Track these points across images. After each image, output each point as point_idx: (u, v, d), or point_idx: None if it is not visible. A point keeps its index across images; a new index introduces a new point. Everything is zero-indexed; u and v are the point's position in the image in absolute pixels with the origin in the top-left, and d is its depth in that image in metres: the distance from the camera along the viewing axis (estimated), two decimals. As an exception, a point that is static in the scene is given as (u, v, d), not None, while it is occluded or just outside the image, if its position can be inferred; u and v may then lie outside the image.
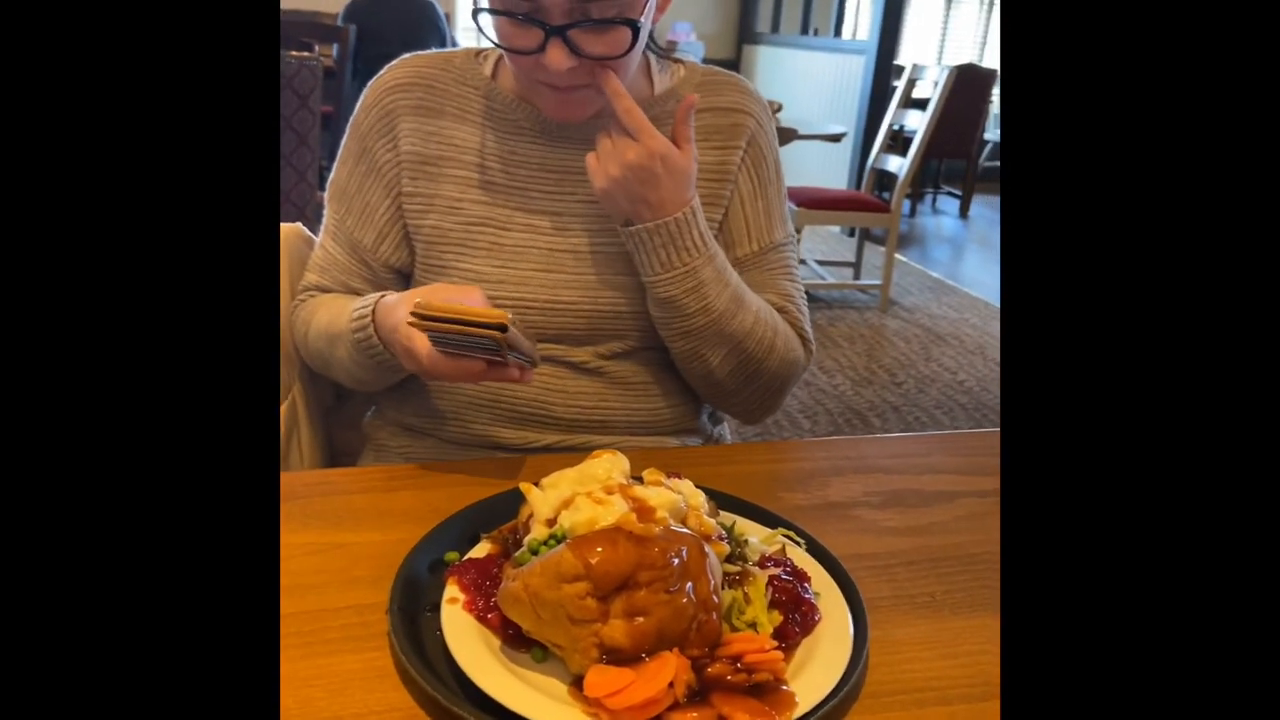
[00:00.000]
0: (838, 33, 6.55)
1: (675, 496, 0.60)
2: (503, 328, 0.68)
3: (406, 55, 0.95)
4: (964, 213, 6.23)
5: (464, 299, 0.75)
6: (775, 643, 0.54)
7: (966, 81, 5.27)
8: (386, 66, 0.95)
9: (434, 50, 0.96)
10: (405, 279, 0.95)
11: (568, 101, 0.83)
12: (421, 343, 0.74)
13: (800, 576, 0.61)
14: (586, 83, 0.81)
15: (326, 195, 0.96)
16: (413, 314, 0.70)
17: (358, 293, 0.93)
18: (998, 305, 4.05)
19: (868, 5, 6.54)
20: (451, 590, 0.58)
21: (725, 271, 0.86)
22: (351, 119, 0.95)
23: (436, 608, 0.57)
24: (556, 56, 0.77)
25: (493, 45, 0.84)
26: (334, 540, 0.66)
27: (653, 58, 0.96)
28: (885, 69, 5.01)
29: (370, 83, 0.95)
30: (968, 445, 0.90)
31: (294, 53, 2.10)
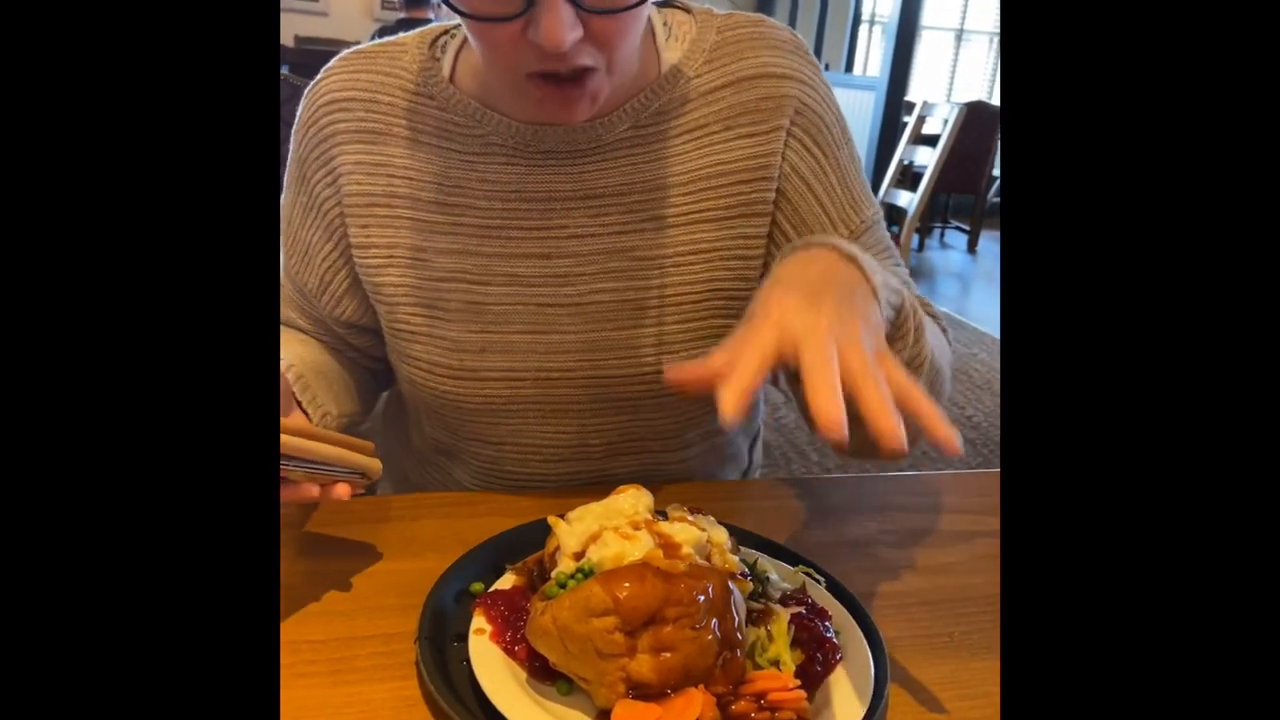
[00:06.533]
0: (849, 68, 6.64)
1: (699, 533, 0.61)
2: None
3: (347, 53, 0.76)
4: (972, 248, 6.25)
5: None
6: (798, 681, 0.55)
7: (976, 118, 5.32)
8: (324, 68, 0.76)
9: (380, 42, 0.77)
10: (368, 333, 0.82)
11: (572, 98, 0.63)
12: None
13: (821, 615, 0.61)
14: (592, 64, 0.62)
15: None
16: None
17: (297, 327, 0.83)
18: (1006, 341, 4.05)
19: (879, 41, 6.62)
20: (479, 621, 0.58)
21: (917, 311, 0.68)
22: (292, 133, 0.78)
23: (463, 638, 0.58)
24: (552, 24, 0.56)
25: (460, 22, 0.63)
26: (362, 568, 0.67)
27: (655, 16, 0.76)
28: (895, 105, 5.07)
29: (306, 92, 0.76)
30: (983, 485, 0.91)
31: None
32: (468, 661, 0.55)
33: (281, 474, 0.58)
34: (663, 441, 0.80)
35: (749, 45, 0.74)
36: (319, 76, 0.76)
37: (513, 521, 0.71)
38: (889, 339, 0.63)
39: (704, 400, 0.77)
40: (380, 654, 0.58)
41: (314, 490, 0.61)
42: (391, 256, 0.74)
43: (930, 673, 0.61)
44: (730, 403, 0.48)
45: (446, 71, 0.73)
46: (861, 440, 0.55)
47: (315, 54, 3.29)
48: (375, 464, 0.65)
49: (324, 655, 0.58)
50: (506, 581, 0.63)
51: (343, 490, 0.62)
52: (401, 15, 3.78)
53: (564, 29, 0.57)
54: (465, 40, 0.75)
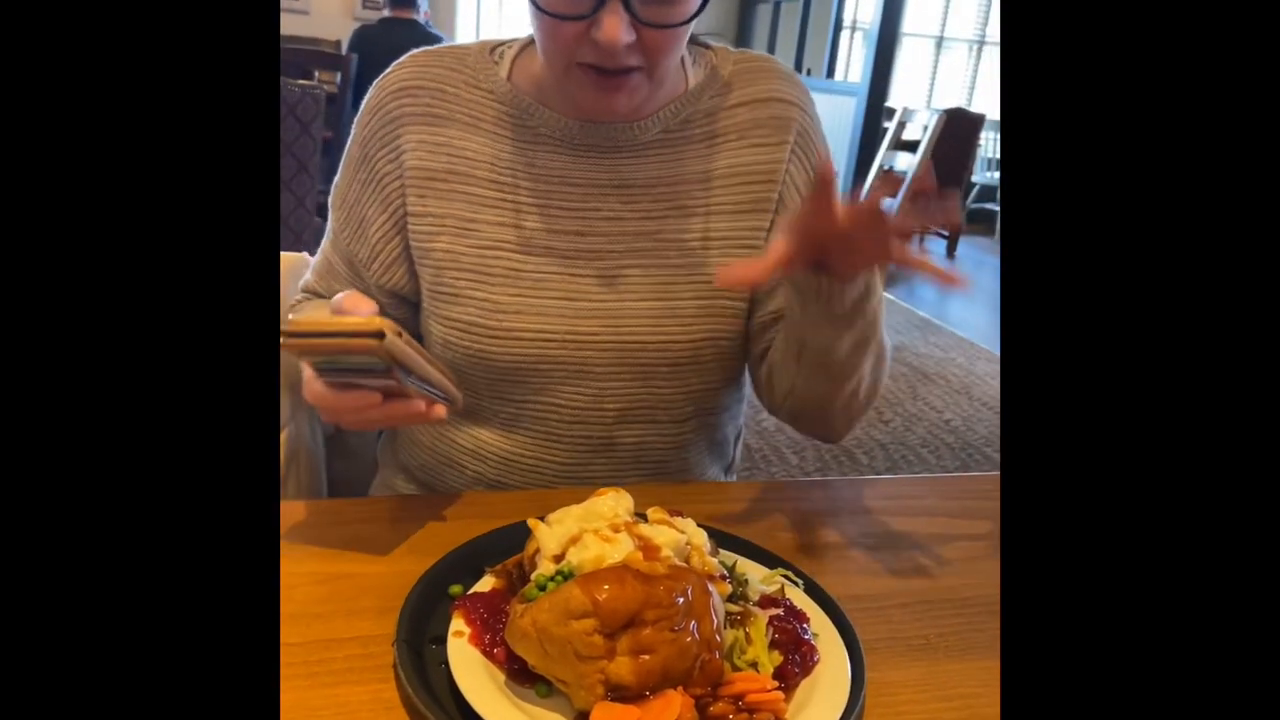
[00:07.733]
0: (830, 74, 6.67)
1: (679, 535, 0.61)
2: (379, 334, 0.58)
3: (416, 51, 0.87)
4: (951, 253, 6.30)
5: (353, 309, 0.66)
6: (776, 683, 0.55)
7: (955, 125, 5.37)
8: (394, 63, 0.87)
9: (446, 45, 0.89)
10: (406, 304, 0.90)
11: (613, 89, 0.75)
12: (310, 371, 0.65)
13: (799, 617, 0.62)
14: (637, 65, 0.74)
15: (330, 199, 0.91)
16: (281, 334, 0.59)
17: None
18: (984, 345, 4.10)
19: (860, 47, 6.67)
20: (457, 623, 0.58)
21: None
22: (356, 119, 0.88)
23: (441, 640, 0.57)
24: (612, 26, 0.69)
25: (527, 31, 0.76)
26: (339, 571, 0.67)
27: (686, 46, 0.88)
28: (876, 110, 5.11)
29: (376, 81, 0.87)
30: (961, 488, 0.92)
31: (300, 81, 2.13)
32: (446, 664, 0.55)
33: (401, 388, 0.65)
34: (667, 411, 0.88)
35: (761, 74, 0.88)
36: (389, 70, 0.87)
37: (492, 524, 0.71)
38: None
39: (704, 375, 0.87)
40: (358, 656, 0.58)
41: (422, 406, 0.67)
42: (444, 225, 0.84)
43: (906, 675, 0.62)
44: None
45: (504, 73, 0.86)
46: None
47: (296, 52, 3.27)
48: (459, 394, 0.74)
49: (300, 658, 0.57)
50: (486, 584, 0.63)
51: (441, 411, 0.70)
52: (385, 14, 3.77)
53: (620, 32, 0.69)
54: (521, 49, 0.87)
